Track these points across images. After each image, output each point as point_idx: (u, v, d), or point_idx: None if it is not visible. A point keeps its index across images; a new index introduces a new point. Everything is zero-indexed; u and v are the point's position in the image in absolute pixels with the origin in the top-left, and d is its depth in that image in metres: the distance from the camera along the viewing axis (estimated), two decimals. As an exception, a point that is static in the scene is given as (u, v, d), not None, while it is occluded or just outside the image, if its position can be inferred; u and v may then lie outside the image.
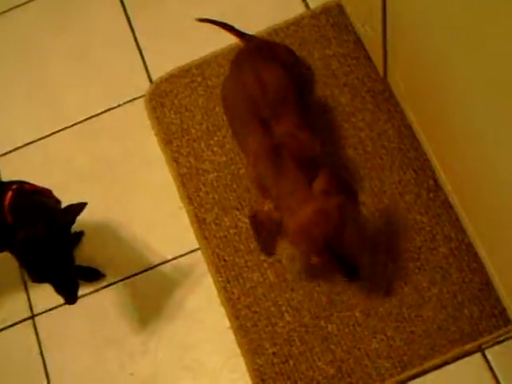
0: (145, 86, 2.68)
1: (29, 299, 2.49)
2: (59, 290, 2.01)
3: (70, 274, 2.02)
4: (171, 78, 2.66)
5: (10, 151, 2.72)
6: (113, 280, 2.46)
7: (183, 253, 2.44)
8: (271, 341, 2.26)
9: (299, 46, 2.57)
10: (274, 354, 2.25)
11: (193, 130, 2.56)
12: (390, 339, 2.19)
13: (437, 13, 1.56)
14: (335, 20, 2.59)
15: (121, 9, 2.85)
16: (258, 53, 2.22)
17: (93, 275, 2.45)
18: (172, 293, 2.40)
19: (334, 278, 2.26)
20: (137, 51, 2.76)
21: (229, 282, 2.35)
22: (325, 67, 2.53)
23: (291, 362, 2.23)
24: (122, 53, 2.78)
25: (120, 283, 2.45)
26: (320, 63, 2.54)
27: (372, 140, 2.40)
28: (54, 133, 2.71)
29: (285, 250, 2.31)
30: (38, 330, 2.45)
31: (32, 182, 2.43)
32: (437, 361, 2.16)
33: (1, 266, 2.44)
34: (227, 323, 2.32)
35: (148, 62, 2.73)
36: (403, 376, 2.16)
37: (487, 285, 2.19)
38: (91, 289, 2.46)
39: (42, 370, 2.40)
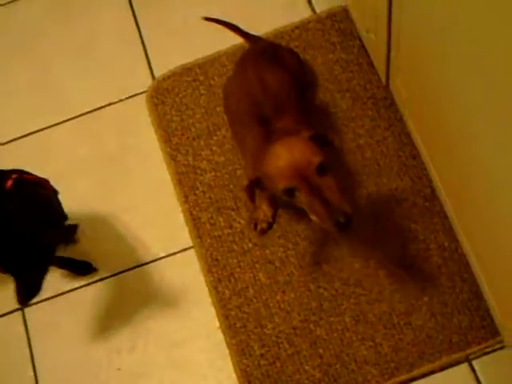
0: (147, 83, 2.71)
1: None
2: (21, 288, 2.00)
3: (39, 279, 2.02)
4: (174, 75, 2.68)
5: (11, 140, 2.75)
6: (104, 275, 2.48)
7: (176, 250, 2.47)
8: (260, 342, 2.29)
9: (303, 49, 2.60)
10: (261, 355, 2.27)
11: (192, 129, 2.59)
12: (379, 346, 2.22)
13: (442, 23, 1.58)
14: (340, 25, 2.63)
15: (127, 4, 2.88)
16: (262, 55, 2.24)
17: (85, 269, 2.47)
18: (163, 290, 2.43)
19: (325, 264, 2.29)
20: (141, 47, 2.79)
21: (220, 281, 2.37)
22: (328, 72, 2.56)
23: (278, 364, 2.26)
24: (126, 48, 2.81)
25: (111, 278, 2.47)
26: (323, 67, 2.57)
27: (371, 146, 2.43)
28: (54, 124, 2.74)
29: (277, 243, 2.35)
30: (27, 321, 2.47)
31: (32, 171, 2.48)
32: (424, 369, 2.18)
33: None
34: (217, 323, 2.35)
35: (151, 59, 2.76)
36: (390, 383, 2.19)
37: (477, 296, 2.21)
38: (82, 283, 2.48)
39: (30, 362, 2.43)
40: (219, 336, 2.34)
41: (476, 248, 2.09)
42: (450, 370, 2.19)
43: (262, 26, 2.64)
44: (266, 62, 2.16)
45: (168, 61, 2.72)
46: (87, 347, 2.42)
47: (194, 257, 2.44)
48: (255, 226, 2.41)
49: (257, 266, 2.37)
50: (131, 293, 2.45)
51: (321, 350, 2.25)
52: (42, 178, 2.20)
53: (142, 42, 2.80)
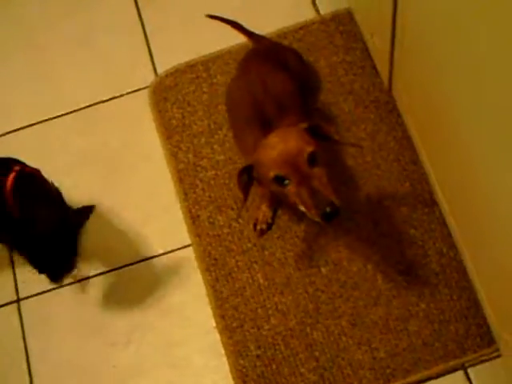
0: (149, 78, 2.70)
1: (15, 282, 2.49)
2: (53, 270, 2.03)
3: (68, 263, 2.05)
4: (176, 72, 2.67)
5: (9, 132, 2.73)
6: (102, 269, 2.47)
7: (174, 248, 2.46)
8: (256, 343, 2.28)
9: (307, 50, 2.59)
10: (257, 356, 2.27)
11: (194, 126, 2.57)
12: (375, 350, 2.22)
13: (445, 30, 1.58)
14: (344, 27, 2.62)
15: (133, 1, 2.86)
16: (265, 55, 2.24)
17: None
18: (160, 287, 2.42)
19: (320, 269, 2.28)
20: (144, 42, 2.77)
21: (218, 281, 2.36)
22: (331, 74, 2.55)
23: (274, 366, 2.25)
24: (129, 42, 2.79)
25: (109, 273, 2.46)
26: (326, 69, 2.56)
27: (372, 150, 2.42)
28: (55, 117, 2.72)
29: (275, 244, 2.34)
30: (23, 314, 2.46)
31: (29, 163, 2.46)
32: (419, 375, 2.18)
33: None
34: (213, 323, 2.34)
35: (154, 54, 2.74)
36: (385, 388, 2.19)
37: (475, 304, 2.21)
38: (79, 277, 2.47)
39: (24, 355, 2.41)
40: (215, 336, 2.33)
41: (474, 256, 2.09)
42: (446, 377, 2.19)
43: (266, 25, 2.62)
44: (269, 63, 2.15)
45: (171, 57, 2.71)
46: (83, 342, 2.40)
47: (192, 255, 2.43)
48: (254, 226, 2.40)
49: (255, 266, 2.36)
50: (128, 289, 2.44)
51: (317, 353, 2.24)
52: (33, 168, 2.23)
53: (146, 37, 2.78)
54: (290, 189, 1.67)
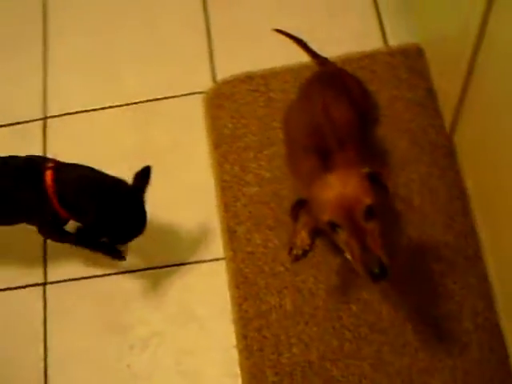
0: (207, 84, 2.67)
1: (45, 266, 2.47)
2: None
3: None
4: (235, 81, 2.63)
5: (60, 115, 2.72)
6: (130, 268, 2.44)
7: (207, 259, 2.41)
8: (273, 370, 2.22)
9: (369, 80, 2.52)
10: (273, 383, 2.20)
11: (245, 139, 2.53)
12: (393, 400, 2.16)
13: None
14: (411, 63, 2.55)
15: (201, 2, 2.84)
16: (329, 80, 2.17)
17: (115, 254, 2.42)
18: (186, 295, 2.38)
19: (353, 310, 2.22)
20: (207, 47, 2.75)
21: (246, 300, 2.31)
22: (390, 108, 2.49)
23: (288, 397, 2.20)
24: (193, 46, 2.77)
25: (137, 273, 2.43)
26: (386, 102, 2.50)
27: (421, 194, 2.35)
28: (107, 107, 2.71)
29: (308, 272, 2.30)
30: (47, 298, 2.44)
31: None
32: (435, 433, 2.12)
33: (25, 231, 2.39)
34: (234, 341, 2.29)
35: (215, 61, 2.72)
36: None
37: (504, 369, 2.13)
38: (107, 271, 2.44)
39: (42, 340, 2.38)
40: (234, 354, 2.27)
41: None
42: None
43: (332, 48, 2.54)
44: (332, 90, 2.08)
45: (232, 65, 2.68)
46: (102, 337, 2.37)
47: (223, 269, 2.38)
48: (290, 250, 2.35)
49: (284, 291, 2.31)
50: (154, 291, 2.40)
51: (334, 392, 2.19)
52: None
53: (209, 42, 2.76)
54: (341, 236, 1.64)
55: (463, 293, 2.21)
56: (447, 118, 2.34)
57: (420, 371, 2.15)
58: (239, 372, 2.24)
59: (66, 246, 2.38)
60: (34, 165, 2.10)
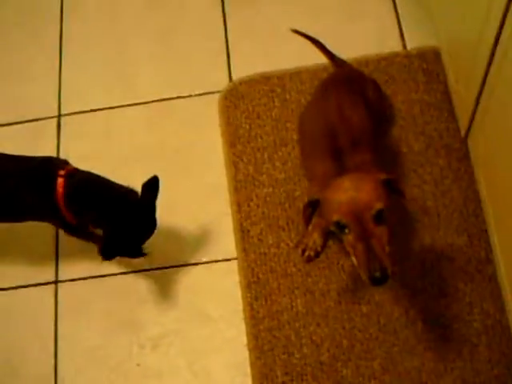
0: (223, 83, 2.75)
1: (57, 265, 2.56)
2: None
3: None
4: (251, 81, 2.72)
5: (75, 113, 2.82)
6: (142, 267, 2.52)
7: (219, 259, 2.49)
8: (284, 369, 2.31)
9: (386, 82, 2.62)
10: (283, 383, 2.29)
11: (259, 140, 2.62)
12: (403, 399, 2.23)
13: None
14: (428, 66, 2.64)
15: (219, 2, 2.93)
16: (345, 82, 2.25)
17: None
18: (198, 295, 2.46)
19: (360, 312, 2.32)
20: (224, 47, 2.83)
21: (257, 300, 2.40)
22: (406, 110, 2.58)
23: (298, 397, 2.27)
24: (209, 45, 2.85)
25: (149, 272, 2.51)
26: (402, 105, 2.59)
27: (435, 196, 2.44)
28: (120, 106, 2.81)
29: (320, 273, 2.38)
30: (59, 296, 2.52)
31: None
32: (443, 434, 2.18)
33: (37, 230, 2.54)
34: (245, 340, 2.37)
35: (232, 61, 2.80)
36: None
37: (513, 371, 2.21)
38: (120, 270, 2.53)
39: (52, 337, 2.47)
40: (244, 354, 2.36)
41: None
42: None
43: (349, 50, 2.63)
44: (348, 92, 2.16)
45: (248, 65, 2.76)
46: (112, 336, 2.45)
47: (235, 269, 2.46)
48: (303, 251, 2.43)
49: (296, 292, 2.39)
50: (165, 291, 2.48)
51: (343, 392, 2.26)
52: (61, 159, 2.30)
53: (226, 41, 2.84)
54: (348, 238, 1.70)
55: (474, 294, 2.29)
56: (462, 121, 2.42)
57: (430, 372, 2.23)
58: (250, 371, 2.32)
59: (78, 245, 2.49)
60: (48, 170, 2.16)
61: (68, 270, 2.55)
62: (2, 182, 2.15)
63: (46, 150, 2.55)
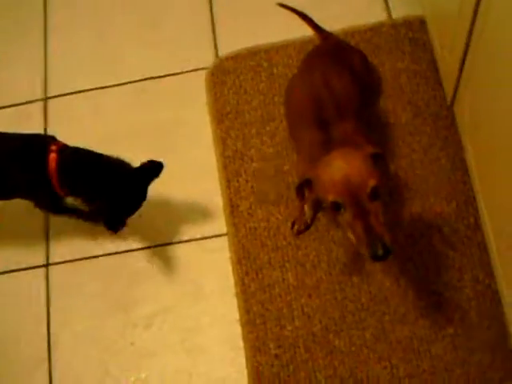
0: (209, 60, 2.81)
1: (47, 248, 2.62)
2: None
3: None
4: (238, 56, 2.77)
5: (63, 95, 2.87)
6: (134, 246, 2.58)
7: (210, 235, 2.55)
8: (276, 342, 2.37)
9: (372, 52, 2.67)
10: (276, 356, 2.36)
11: (247, 115, 2.67)
12: (394, 368, 2.29)
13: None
14: (414, 35, 2.69)
15: (203, -23, 2.95)
16: (331, 54, 2.28)
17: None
18: (190, 273, 2.52)
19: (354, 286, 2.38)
20: (210, 23, 2.88)
21: (248, 274, 2.46)
22: (393, 80, 2.63)
23: (291, 368, 2.34)
24: (195, 21, 2.90)
25: (141, 251, 2.57)
26: (389, 75, 2.64)
27: (423, 164, 2.50)
28: (108, 86, 2.86)
29: (310, 246, 2.44)
30: (50, 279, 2.58)
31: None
32: (436, 400, 2.24)
33: (26, 213, 2.59)
34: (237, 315, 2.43)
35: (218, 37, 2.85)
36: (400, 408, 2.25)
37: (503, 336, 2.27)
38: (111, 250, 2.58)
39: (45, 321, 2.53)
40: (237, 329, 2.42)
41: None
42: (463, 406, 2.23)
43: (335, 21, 2.68)
44: (334, 63, 2.20)
45: (234, 41, 2.81)
46: (105, 316, 2.51)
47: (226, 244, 2.52)
48: (292, 224, 2.48)
49: (287, 265, 2.45)
50: (158, 269, 2.54)
51: (336, 362, 2.32)
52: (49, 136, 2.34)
53: (212, 18, 2.89)
54: (345, 217, 1.74)
55: (464, 261, 2.35)
56: (448, 89, 2.47)
57: (421, 339, 2.29)
58: (243, 345, 2.39)
59: (69, 227, 2.57)
60: (38, 145, 2.21)
61: (59, 252, 2.61)
62: None
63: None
